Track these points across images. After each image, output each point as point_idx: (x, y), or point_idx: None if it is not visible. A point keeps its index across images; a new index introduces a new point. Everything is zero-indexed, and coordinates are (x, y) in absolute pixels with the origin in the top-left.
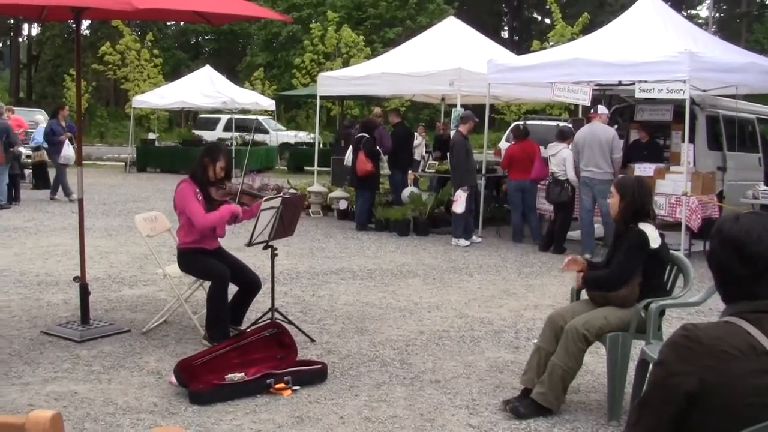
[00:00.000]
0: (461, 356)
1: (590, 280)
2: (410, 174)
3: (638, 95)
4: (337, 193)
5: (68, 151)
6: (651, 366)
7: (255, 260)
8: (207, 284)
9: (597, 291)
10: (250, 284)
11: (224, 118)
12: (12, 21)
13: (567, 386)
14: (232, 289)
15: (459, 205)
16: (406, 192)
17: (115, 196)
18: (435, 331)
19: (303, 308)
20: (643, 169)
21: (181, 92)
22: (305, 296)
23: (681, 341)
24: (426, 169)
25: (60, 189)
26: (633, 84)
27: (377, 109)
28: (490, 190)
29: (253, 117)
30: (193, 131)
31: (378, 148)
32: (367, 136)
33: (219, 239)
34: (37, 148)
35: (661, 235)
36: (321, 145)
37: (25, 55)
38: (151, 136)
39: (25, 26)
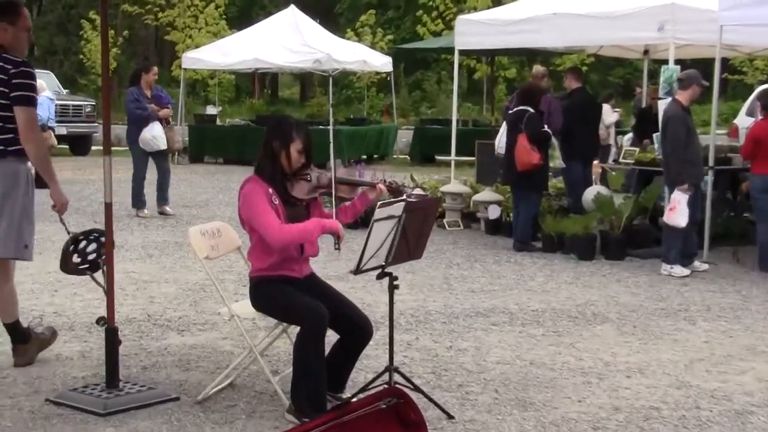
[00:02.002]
0: None
1: None
2: (595, 166)
3: None
4: (486, 194)
5: (155, 130)
6: None
7: (364, 295)
8: (293, 330)
9: None
10: (356, 330)
11: None
12: None
13: None
14: (331, 337)
15: (677, 214)
16: (589, 193)
17: (152, 199)
18: (638, 408)
19: (435, 368)
20: None
21: (253, 46)
22: (439, 349)
23: None
24: (621, 159)
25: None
26: None
27: (539, 68)
28: (722, 191)
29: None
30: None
31: (546, 128)
32: (530, 110)
33: (310, 261)
34: (41, 128)
35: None
36: (460, 124)
37: None
38: (210, 110)
39: None
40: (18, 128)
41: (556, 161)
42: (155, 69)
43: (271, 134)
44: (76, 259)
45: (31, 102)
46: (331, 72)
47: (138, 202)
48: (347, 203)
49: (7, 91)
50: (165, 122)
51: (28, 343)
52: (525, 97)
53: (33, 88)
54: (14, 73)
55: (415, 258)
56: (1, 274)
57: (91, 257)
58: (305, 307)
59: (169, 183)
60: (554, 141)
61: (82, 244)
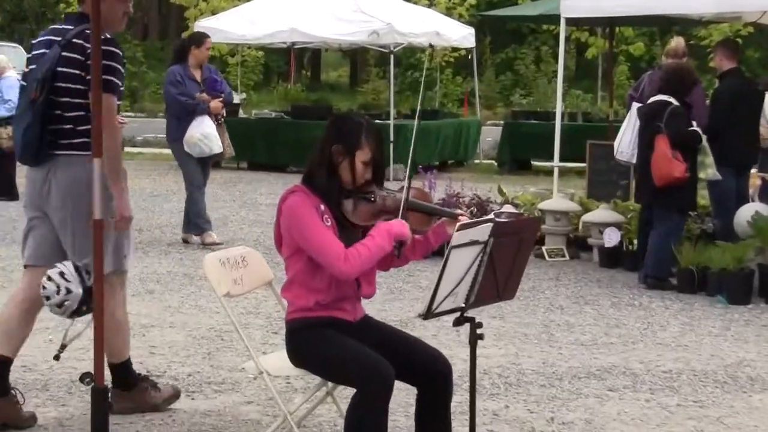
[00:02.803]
0: None
1: None
2: (753, 176)
3: None
4: (600, 213)
5: (205, 127)
6: None
7: (435, 347)
8: (343, 393)
9: None
10: (433, 373)
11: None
12: None
13: None
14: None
15: None
16: (744, 213)
17: (160, 216)
18: None
19: None
20: None
21: (289, 12)
22: (536, 422)
23: None
24: None
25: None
26: None
27: (680, 42)
28: None
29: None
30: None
31: (695, 126)
32: (673, 102)
33: (364, 303)
34: (5, 122)
35: None
36: (566, 119)
37: None
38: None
39: None
40: None
41: (708, 171)
42: (209, 41)
43: (331, 135)
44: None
45: (109, 87)
46: (393, 48)
47: (198, 222)
48: (417, 236)
49: (83, 74)
50: (215, 118)
51: (129, 391)
52: (670, 84)
53: (114, 71)
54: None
55: (505, 299)
56: (108, 296)
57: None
58: (364, 362)
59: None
60: (705, 144)
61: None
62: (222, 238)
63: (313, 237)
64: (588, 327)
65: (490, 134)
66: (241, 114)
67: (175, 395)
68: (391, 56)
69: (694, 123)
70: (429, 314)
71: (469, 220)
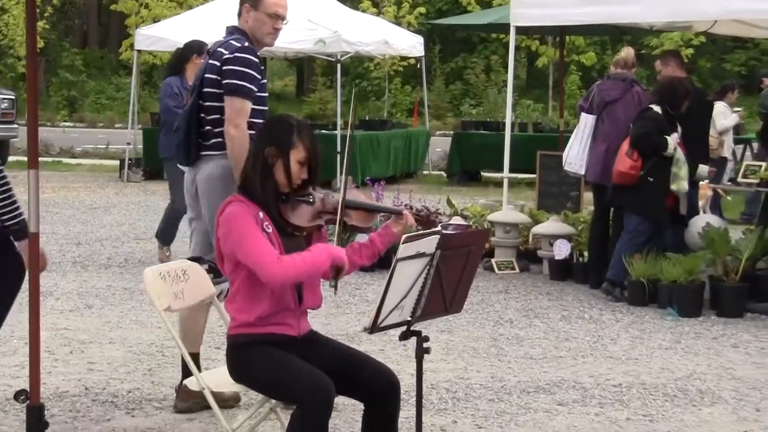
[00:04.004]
0: None
1: None
2: (704, 188)
3: None
4: (550, 225)
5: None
6: None
7: (382, 361)
8: (288, 408)
9: None
10: (380, 388)
11: None
12: None
13: None
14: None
15: None
16: (695, 225)
17: (99, 229)
18: None
19: None
20: None
21: (232, 20)
22: None
23: None
24: (740, 178)
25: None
26: None
27: (630, 52)
28: None
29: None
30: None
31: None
32: (654, 108)
33: (310, 317)
34: None
35: None
36: (516, 129)
37: None
38: None
39: None
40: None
41: (681, 183)
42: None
43: (264, 138)
44: None
45: (239, 92)
46: (340, 56)
47: (167, 235)
48: (362, 239)
49: (219, 79)
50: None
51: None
52: (661, 95)
53: (247, 77)
54: (227, 59)
55: (453, 312)
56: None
57: None
58: (306, 380)
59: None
60: (680, 156)
61: None
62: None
63: (247, 241)
64: (537, 340)
65: (440, 145)
66: None
67: (235, 398)
68: (338, 65)
69: (675, 135)
70: (375, 328)
71: (415, 215)
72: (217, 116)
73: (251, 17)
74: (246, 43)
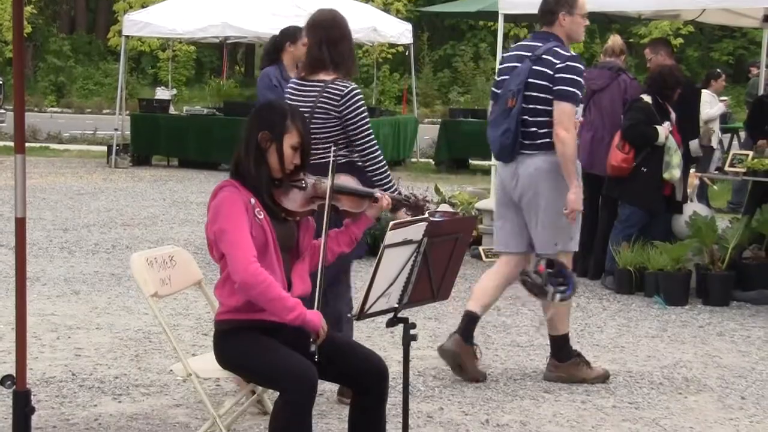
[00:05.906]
0: None
1: None
2: (691, 176)
3: None
4: None
5: None
6: None
7: (369, 346)
8: (272, 396)
9: None
10: (368, 376)
11: None
12: None
13: None
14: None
15: None
16: (683, 213)
17: (87, 215)
18: None
19: None
20: None
21: (223, 6)
22: (471, 424)
23: None
24: (727, 167)
25: None
26: None
27: (617, 40)
28: None
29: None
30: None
31: (665, 127)
32: (644, 98)
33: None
34: None
35: None
36: None
37: None
38: (162, 94)
39: None
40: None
41: (673, 172)
42: (306, 39)
43: (257, 123)
44: None
45: (570, 98)
46: None
47: None
48: (349, 216)
49: (550, 86)
50: None
51: (564, 363)
52: (651, 85)
53: (576, 84)
54: (560, 68)
55: (440, 299)
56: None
57: None
58: (290, 368)
59: None
60: (672, 145)
61: None
62: (151, 237)
63: (228, 232)
64: (524, 328)
65: (428, 132)
66: (172, 110)
67: (605, 375)
68: None
69: (666, 124)
70: (362, 315)
71: (404, 199)
72: (545, 119)
73: (568, 21)
74: (571, 51)
